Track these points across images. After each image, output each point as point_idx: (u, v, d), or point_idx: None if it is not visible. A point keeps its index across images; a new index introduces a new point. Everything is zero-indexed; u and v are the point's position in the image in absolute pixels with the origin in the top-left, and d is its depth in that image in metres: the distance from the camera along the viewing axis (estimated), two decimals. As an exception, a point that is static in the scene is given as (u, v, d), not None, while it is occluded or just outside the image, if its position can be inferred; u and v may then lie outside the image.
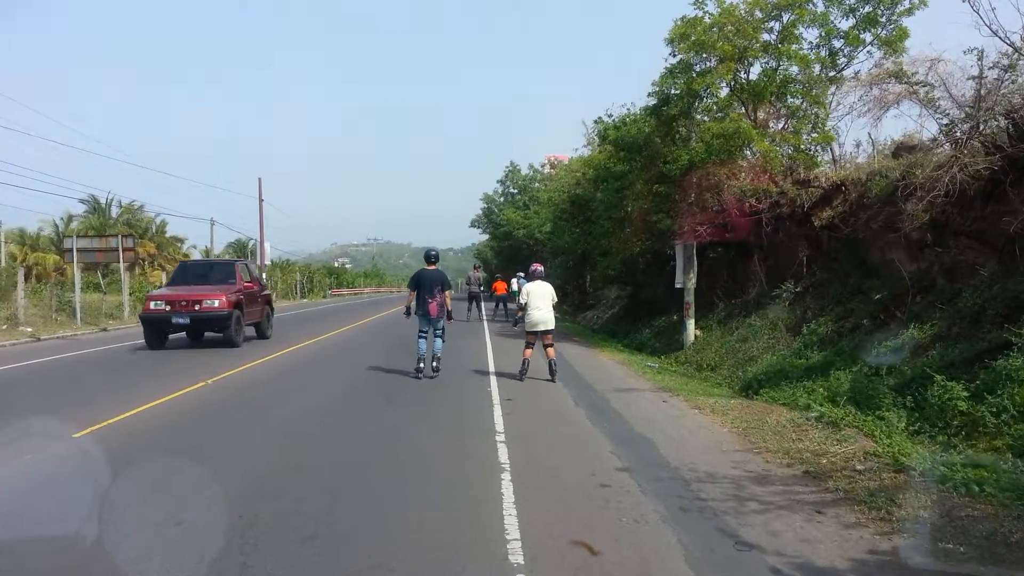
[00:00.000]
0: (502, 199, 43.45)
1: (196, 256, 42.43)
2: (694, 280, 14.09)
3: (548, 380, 8.38)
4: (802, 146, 11.61)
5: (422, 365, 8.67)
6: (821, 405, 6.16)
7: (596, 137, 17.44)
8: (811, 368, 9.51)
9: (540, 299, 8.46)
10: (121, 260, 17.36)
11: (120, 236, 17.86)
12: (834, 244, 12.37)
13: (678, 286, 14.25)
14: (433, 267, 8.77)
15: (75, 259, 17.09)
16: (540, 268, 9.01)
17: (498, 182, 44.24)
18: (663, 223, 12.01)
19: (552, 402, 7.26)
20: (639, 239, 13.24)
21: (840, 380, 8.31)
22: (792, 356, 10.31)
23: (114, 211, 39.62)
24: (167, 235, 42.63)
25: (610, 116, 15.64)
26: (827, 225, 12.59)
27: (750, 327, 12.67)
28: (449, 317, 8.90)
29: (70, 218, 37.61)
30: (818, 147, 12.59)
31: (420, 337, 8.67)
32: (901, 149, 13.31)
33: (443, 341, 8.88)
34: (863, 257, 11.36)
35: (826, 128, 12.46)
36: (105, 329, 16.00)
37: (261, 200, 36.11)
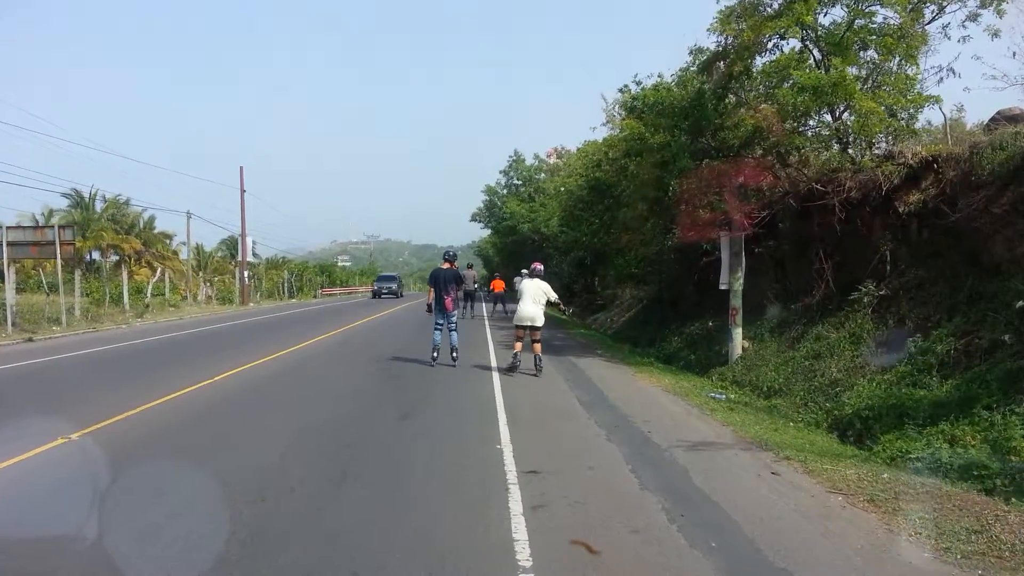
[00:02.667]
0: (505, 191, 40.83)
1: (184, 253, 39.90)
2: (742, 280, 11.64)
3: (535, 376, 8.82)
4: (904, 108, 9.00)
5: (436, 354, 9.47)
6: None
7: (620, 111, 14.75)
8: (940, 403, 6.93)
9: (530, 296, 9.05)
10: (58, 254, 14.68)
11: (57, 227, 15.18)
12: (928, 235, 9.88)
13: (723, 287, 11.80)
14: (448, 266, 9.47)
15: (4, 254, 14.47)
16: (540, 267, 9.59)
17: (501, 172, 41.72)
18: (717, 207, 9.38)
19: (601, 477, 4.59)
20: (686, 228, 10.59)
21: (1012, 427, 5.78)
22: (904, 384, 7.73)
23: (98, 206, 37.45)
24: (155, 231, 40.18)
25: (638, 84, 13.03)
26: (916, 212, 10.11)
27: (820, 339, 10.17)
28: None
29: (50, 213, 35.45)
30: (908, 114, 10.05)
31: (436, 329, 9.44)
32: (1002, 119, 10.97)
33: (457, 334, 9.69)
34: (976, 251, 8.90)
35: (917, 92, 9.94)
36: (31, 339, 13.34)
37: (243, 191, 33.54)
